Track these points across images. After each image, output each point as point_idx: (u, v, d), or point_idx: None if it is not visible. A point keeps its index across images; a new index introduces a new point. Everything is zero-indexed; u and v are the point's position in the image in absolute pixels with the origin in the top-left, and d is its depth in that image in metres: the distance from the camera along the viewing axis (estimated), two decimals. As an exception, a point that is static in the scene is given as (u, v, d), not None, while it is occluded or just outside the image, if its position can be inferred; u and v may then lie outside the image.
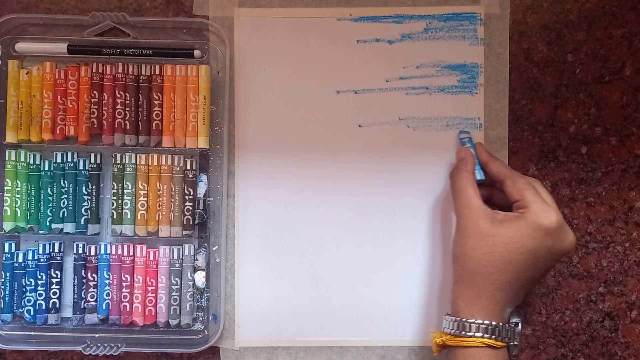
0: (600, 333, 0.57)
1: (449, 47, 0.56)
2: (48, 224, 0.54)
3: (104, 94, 0.54)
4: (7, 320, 0.54)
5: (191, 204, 0.55)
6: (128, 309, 0.54)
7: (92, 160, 0.55)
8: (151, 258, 0.54)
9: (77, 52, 0.54)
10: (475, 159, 0.53)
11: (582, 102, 0.57)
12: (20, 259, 0.54)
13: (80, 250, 0.54)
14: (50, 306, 0.54)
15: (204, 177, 0.55)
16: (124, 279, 0.54)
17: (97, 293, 0.54)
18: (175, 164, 0.55)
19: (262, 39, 0.56)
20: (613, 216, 0.57)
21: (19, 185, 0.54)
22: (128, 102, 0.54)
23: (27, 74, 0.54)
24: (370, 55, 0.56)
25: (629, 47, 0.57)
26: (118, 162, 0.54)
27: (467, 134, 0.55)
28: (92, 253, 0.54)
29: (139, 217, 0.54)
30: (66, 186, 0.54)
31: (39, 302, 0.54)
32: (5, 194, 0.54)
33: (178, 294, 0.55)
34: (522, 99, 0.57)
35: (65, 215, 0.54)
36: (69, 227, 0.54)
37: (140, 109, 0.54)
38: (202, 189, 0.55)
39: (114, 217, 0.54)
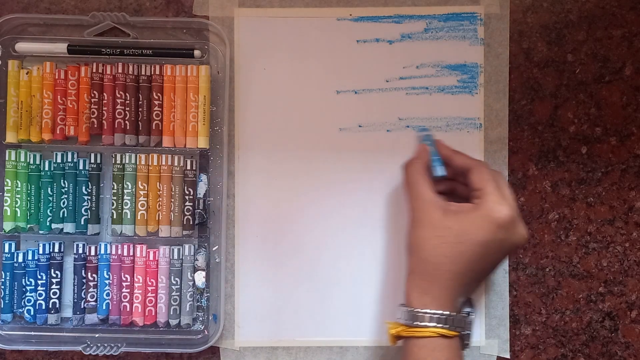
0: (600, 333, 0.57)
1: (449, 47, 0.56)
2: (48, 224, 0.54)
3: (104, 94, 0.54)
4: (7, 320, 0.54)
5: (191, 204, 0.55)
6: (128, 309, 0.54)
7: (92, 160, 0.55)
8: (151, 258, 0.54)
9: (77, 52, 0.54)
10: (436, 156, 0.53)
11: (582, 102, 0.57)
12: (20, 259, 0.54)
13: (80, 250, 0.54)
14: (50, 306, 0.54)
15: (204, 177, 0.55)
16: (124, 279, 0.54)
17: (97, 293, 0.54)
18: (175, 164, 0.55)
19: (262, 39, 0.56)
20: (613, 216, 0.57)
21: (19, 185, 0.54)
22: (128, 102, 0.54)
23: (27, 74, 0.54)
24: (370, 55, 0.56)
25: (629, 47, 0.57)
26: (118, 162, 0.54)
27: (427, 132, 0.55)
28: (92, 253, 0.54)
29: (139, 217, 0.54)
30: (66, 186, 0.54)
31: (39, 302, 0.54)
32: (5, 194, 0.54)
33: (178, 294, 0.55)
34: (522, 99, 0.57)
35: (65, 215, 0.54)
36: (69, 227, 0.54)
37: (140, 109, 0.54)
38: (202, 189, 0.55)
39: (114, 217, 0.54)
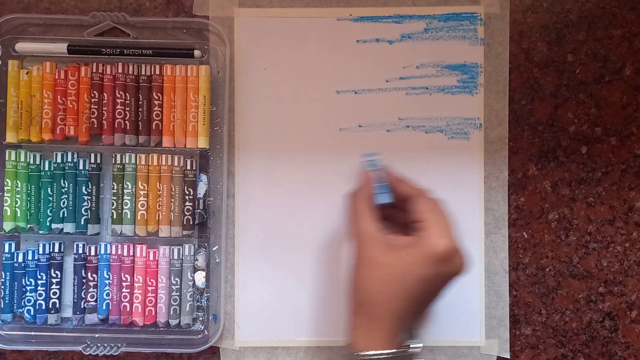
0: (600, 333, 0.57)
1: (449, 47, 0.56)
2: (48, 224, 0.54)
3: (104, 94, 0.54)
4: (7, 320, 0.54)
5: (191, 204, 0.55)
6: (128, 309, 0.54)
7: (92, 160, 0.55)
8: (151, 258, 0.54)
9: (77, 52, 0.54)
10: (381, 182, 0.52)
11: (582, 102, 0.57)
12: (20, 259, 0.54)
13: (80, 250, 0.54)
14: (50, 306, 0.54)
15: (204, 177, 0.55)
16: (124, 279, 0.54)
17: (97, 293, 0.54)
18: (175, 164, 0.55)
19: (262, 39, 0.56)
20: (613, 216, 0.57)
21: (19, 185, 0.54)
22: (128, 102, 0.54)
23: (27, 74, 0.54)
24: (370, 55, 0.56)
25: (629, 47, 0.57)
26: (118, 162, 0.54)
27: (374, 158, 0.53)
28: (92, 253, 0.54)
29: (139, 217, 0.54)
30: (66, 186, 0.54)
31: (39, 302, 0.54)
32: (5, 194, 0.54)
33: (178, 294, 0.55)
34: (522, 99, 0.57)
35: (65, 215, 0.54)
36: (69, 227, 0.54)
37: (140, 109, 0.54)
38: (202, 189, 0.55)
39: (114, 217, 0.54)
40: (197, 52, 0.54)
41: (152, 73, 0.55)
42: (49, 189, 0.54)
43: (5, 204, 0.54)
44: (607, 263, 0.57)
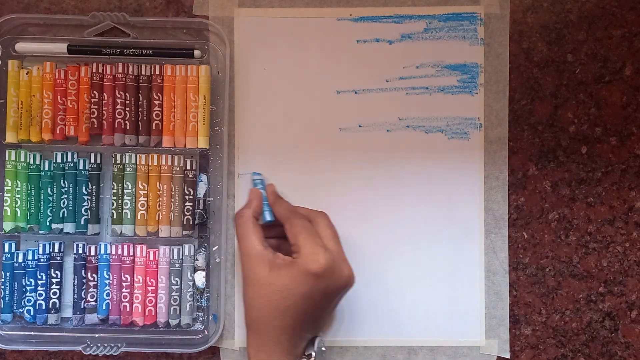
0: (600, 333, 0.57)
1: (449, 47, 0.56)
2: (48, 224, 0.54)
3: (104, 94, 0.54)
4: (7, 320, 0.54)
5: (191, 204, 0.55)
6: (128, 309, 0.54)
7: (92, 160, 0.55)
8: (151, 258, 0.54)
9: (77, 52, 0.54)
10: (266, 200, 0.54)
11: (582, 102, 0.57)
12: (20, 259, 0.54)
13: (80, 250, 0.54)
14: (50, 306, 0.54)
15: (204, 177, 0.55)
16: (124, 279, 0.54)
17: (97, 293, 0.54)
18: (175, 164, 0.55)
19: (262, 39, 0.56)
20: (613, 216, 0.57)
21: (19, 185, 0.54)
22: (128, 102, 0.54)
23: (27, 74, 0.54)
24: (370, 55, 0.56)
25: (629, 47, 0.57)
26: (118, 162, 0.54)
27: (259, 176, 0.55)
28: (92, 253, 0.54)
29: (139, 217, 0.54)
30: (66, 186, 0.54)
31: (39, 302, 0.54)
32: (5, 194, 0.54)
33: (178, 294, 0.55)
34: (522, 99, 0.57)
35: (65, 215, 0.54)
36: (69, 227, 0.54)
37: (140, 109, 0.54)
38: (202, 189, 0.55)
39: (114, 217, 0.54)
40: (197, 52, 0.54)
41: (152, 73, 0.54)
42: (49, 189, 0.54)
43: (5, 204, 0.54)
44: (607, 263, 0.57)
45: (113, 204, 0.54)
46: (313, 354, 0.51)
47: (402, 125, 0.56)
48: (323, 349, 0.52)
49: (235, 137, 0.56)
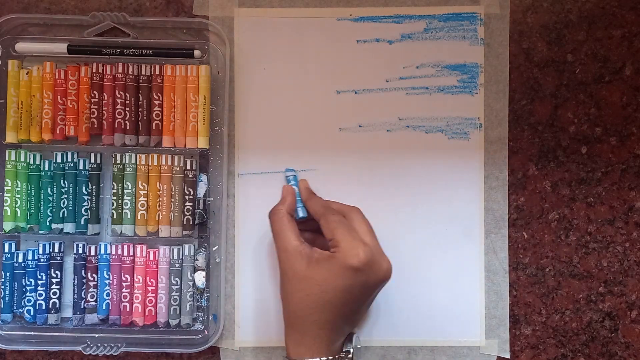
0: (600, 333, 0.57)
1: (449, 47, 0.56)
2: (48, 224, 0.54)
3: (104, 94, 0.54)
4: (7, 320, 0.54)
5: (191, 204, 0.55)
6: (128, 309, 0.54)
7: (92, 160, 0.55)
8: (151, 258, 0.54)
9: (77, 52, 0.54)
10: (299, 197, 0.54)
11: (582, 102, 0.57)
12: (20, 259, 0.54)
13: (80, 250, 0.54)
14: (50, 306, 0.54)
15: (204, 177, 0.55)
16: (124, 279, 0.54)
17: (97, 293, 0.54)
18: (175, 164, 0.55)
19: (262, 39, 0.56)
20: (613, 216, 0.57)
21: (19, 185, 0.54)
22: (128, 102, 0.54)
23: (27, 74, 0.54)
24: (370, 55, 0.56)
25: (629, 47, 0.57)
26: (118, 162, 0.54)
27: (293, 172, 0.55)
28: (92, 253, 0.54)
29: (139, 217, 0.54)
30: (66, 186, 0.54)
31: (39, 302, 0.54)
32: (5, 194, 0.54)
33: (178, 294, 0.55)
34: (522, 99, 0.57)
35: (65, 215, 0.54)
36: (69, 227, 0.54)
37: (140, 109, 0.54)
38: (202, 189, 0.55)
39: (114, 217, 0.54)
40: (197, 52, 0.54)
41: (152, 73, 0.54)
42: (49, 189, 0.54)
43: (5, 204, 0.54)
44: (607, 263, 0.57)
45: (113, 204, 0.54)
46: (351, 350, 0.51)
47: (402, 125, 0.56)
48: (359, 346, 0.52)
49: (235, 137, 0.56)
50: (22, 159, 0.54)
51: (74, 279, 0.54)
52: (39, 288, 0.54)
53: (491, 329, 0.56)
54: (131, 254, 0.54)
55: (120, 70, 0.54)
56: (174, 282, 0.54)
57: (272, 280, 0.56)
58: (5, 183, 0.54)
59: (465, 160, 0.56)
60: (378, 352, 0.56)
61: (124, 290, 0.54)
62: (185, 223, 0.55)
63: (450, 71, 0.56)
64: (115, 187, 0.54)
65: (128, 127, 0.54)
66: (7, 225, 0.54)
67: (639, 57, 0.57)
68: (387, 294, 0.56)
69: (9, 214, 0.54)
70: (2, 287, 0.54)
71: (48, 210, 0.54)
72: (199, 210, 0.55)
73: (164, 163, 0.55)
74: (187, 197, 0.55)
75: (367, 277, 0.48)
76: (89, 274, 0.54)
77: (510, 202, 0.56)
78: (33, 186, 0.54)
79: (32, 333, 0.54)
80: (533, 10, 0.56)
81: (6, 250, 0.54)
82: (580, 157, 0.57)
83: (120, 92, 0.54)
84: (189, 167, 0.55)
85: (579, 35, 0.57)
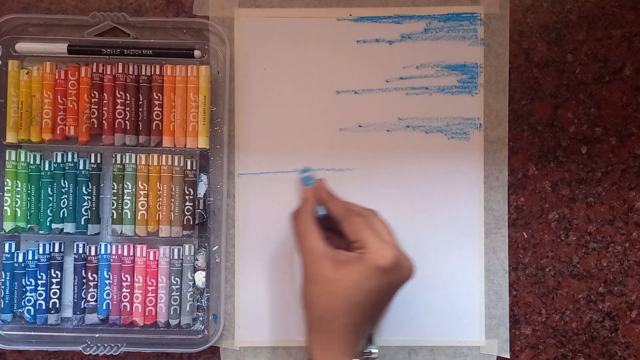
0: (600, 333, 0.57)
1: (449, 47, 0.56)
2: (48, 224, 0.54)
3: (104, 94, 0.54)
4: (7, 320, 0.54)
5: (191, 204, 0.55)
6: (128, 309, 0.54)
7: (92, 160, 0.55)
8: (151, 258, 0.54)
9: (77, 52, 0.54)
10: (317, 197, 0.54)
11: (582, 102, 0.57)
12: (20, 259, 0.54)
13: (80, 250, 0.54)
14: (50, 306, 0.54)
15: (204, 177, 0.55)
16: (124, 279, 0.54)
17: (97, 293, 0.54)
18: (175, 164, 0.55)
19: (262, 39, 0.56)
20: (613, 216, 0.57)
21: (19, 185, 0.54)
22: (128, 102, 0.54)
23: (27, 74, 0.54)
24: (370, 55, 0.56)
25: (629, 47, 0.57)
26: (118, 162, 0.54)
27: (309, 172, 0.55)
28: (92, 253, 0.54)
29: (139, 217, 0.54)
30: (66, 186, 0.54)
31: (39, 302, 0.54)
32: (5, 194, 0.54)
33: (178, 294, 0.55)
34: (522, 99, 0.57)
35: (66, 215, 0.54)
36: (69, 227, 0.54)
37: (140, 109, 0.54)
38: (202, 189, 0.55)
39: (114, 217, 0.54)
40: (197, 52, 0.54)
41: (152, 73, 0.55)
42: (49, 189, 0.54)
43: (5, 204, 0.54)
44: (607, 263, 0.57)
45: (113, 204, 0.54)
46: (375, 351, 0.51)
47: (402, 125, 0.56)
48: (376, 350, 0.52)
49: (235, 137, 0.56)
50: (22, 159, 0.54)
51: (74, 279, 0.54)
52: (39, 288, 0.54)
53: (491, 329, 0.56)
54: (131, 254, 0.54)
55: (120, 71, 0.54)
56: (174, 282, 0.54)
57: (272, 280, 0.56)
58: (5, 183, 0.54)
59: (465, 160, 0.56)
60: (378, 352, 0.56)
61: (124, 290, 0.54)
62: (185, 223, 0.55)
63: (450, 71, 0.56)
64: (116, 187, 0.54)
65: (128, 127, 0.54)
66: (7, 225, 0.54)
67: (639, 57, 0.57)
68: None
69: (9, 214, 0.54)
70: (2, 287, 0.54)
71: (48, 210, 0.54)
72: (199, 210, 0.55)
73: (164, 163, 0.55)
74: (187, 197, 0.55)
75: (394, 277, 0.48)
76: (89, 274, 0.54)
77: (510, 202, 0.56)
78: (33, 186, 0.54)
79: (32, 333, 0.54)
80: (533, 10, 0.56)
81: (6, 250, 0.54)
82: (580, 157, 0.57)
83: (121, 92, 0.54)
84: (189, 167, 0.55)
85: (579, 35, 0.57)
